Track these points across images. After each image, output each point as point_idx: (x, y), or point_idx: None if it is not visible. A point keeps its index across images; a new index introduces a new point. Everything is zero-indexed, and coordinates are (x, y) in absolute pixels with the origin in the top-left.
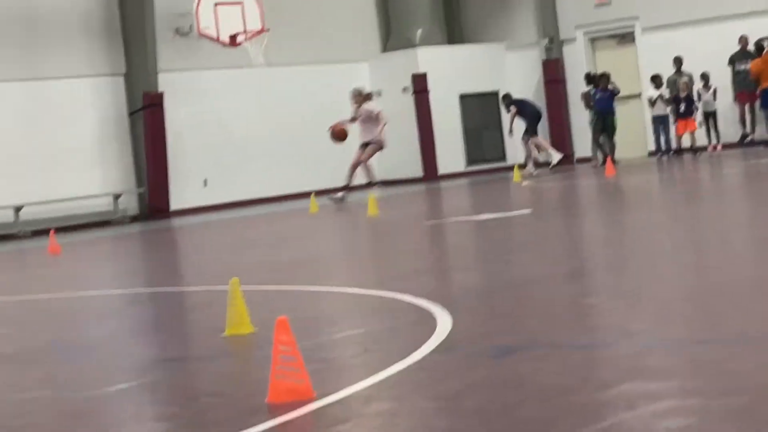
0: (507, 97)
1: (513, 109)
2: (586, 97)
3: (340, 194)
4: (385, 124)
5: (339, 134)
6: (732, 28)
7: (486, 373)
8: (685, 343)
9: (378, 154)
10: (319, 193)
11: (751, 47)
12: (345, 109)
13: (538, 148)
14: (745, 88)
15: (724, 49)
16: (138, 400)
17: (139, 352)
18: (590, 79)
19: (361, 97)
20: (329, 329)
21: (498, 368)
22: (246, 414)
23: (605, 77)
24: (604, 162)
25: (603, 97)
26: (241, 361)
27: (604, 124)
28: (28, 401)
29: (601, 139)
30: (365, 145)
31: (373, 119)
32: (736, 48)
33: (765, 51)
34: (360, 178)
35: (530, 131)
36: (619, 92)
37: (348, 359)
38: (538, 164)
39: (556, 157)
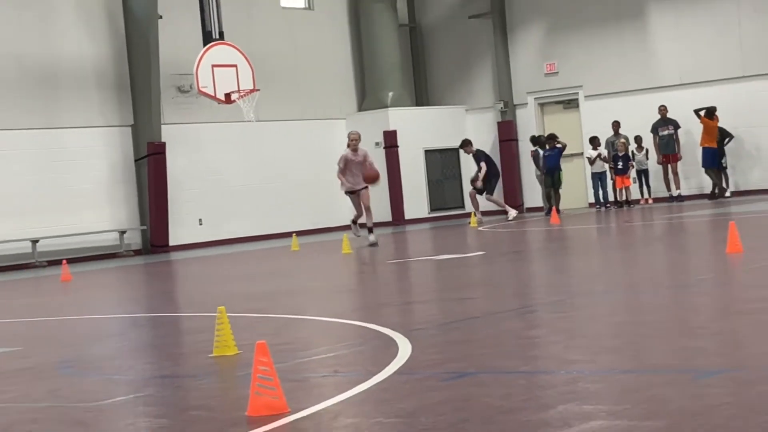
0: (468, 143)
1: (484, 166)
2: (534, 156)
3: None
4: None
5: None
6: (658, 99)
7: (439, 394)
8: (615, 372)
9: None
10: (300, 233)
11: (670, 115)
12: (325, 159)
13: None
14: (668, 151)
15: (654, 116)
16: (133, 412)
17: (136, 369)
18: (535, 140)
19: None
20: (304, 352)
21: (450, 390)
22: (228, 426)
23: (552, 137)
24: (550, 212)
25: (551, 155)
26: (225, 379)
27: (552, 179)
28: (38, 410)
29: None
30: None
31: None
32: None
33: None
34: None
35: (489, 190)
36: (565, 146)
37: (319, 379)
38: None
39: (512, 213)
